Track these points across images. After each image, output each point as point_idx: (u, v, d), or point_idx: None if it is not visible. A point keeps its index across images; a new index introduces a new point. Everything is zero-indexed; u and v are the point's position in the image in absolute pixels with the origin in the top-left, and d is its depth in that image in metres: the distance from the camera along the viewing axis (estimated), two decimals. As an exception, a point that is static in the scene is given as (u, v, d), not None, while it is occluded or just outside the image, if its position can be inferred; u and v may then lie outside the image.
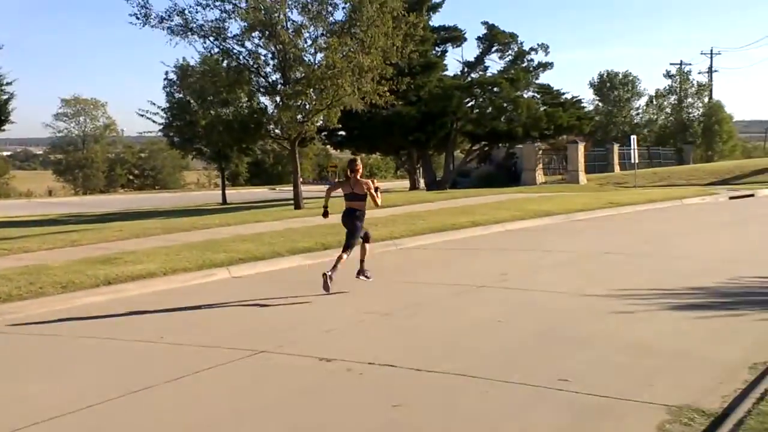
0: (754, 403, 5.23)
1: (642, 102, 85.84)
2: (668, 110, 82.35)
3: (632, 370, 6.52)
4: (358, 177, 10.91)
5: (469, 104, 44.56)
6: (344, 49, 25.15)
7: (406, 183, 51.22)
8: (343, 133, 42.77)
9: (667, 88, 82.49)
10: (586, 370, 6.54)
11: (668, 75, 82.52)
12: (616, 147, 56.09)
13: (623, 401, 5.68)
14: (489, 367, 6.69)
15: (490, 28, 45.19)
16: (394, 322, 8.81)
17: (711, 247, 14.77)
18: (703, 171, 46.29)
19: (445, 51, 46.42)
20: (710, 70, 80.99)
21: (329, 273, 10.14)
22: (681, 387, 5.98)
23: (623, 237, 16.84)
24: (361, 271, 10.80)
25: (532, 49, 45.90)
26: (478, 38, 45.68)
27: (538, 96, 47.38)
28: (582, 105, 50.56)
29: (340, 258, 10.47)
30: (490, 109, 44.24)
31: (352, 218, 10.71)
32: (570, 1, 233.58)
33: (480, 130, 43.54)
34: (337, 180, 9.41)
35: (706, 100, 79.82)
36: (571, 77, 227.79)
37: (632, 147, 37.68)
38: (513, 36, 45.56)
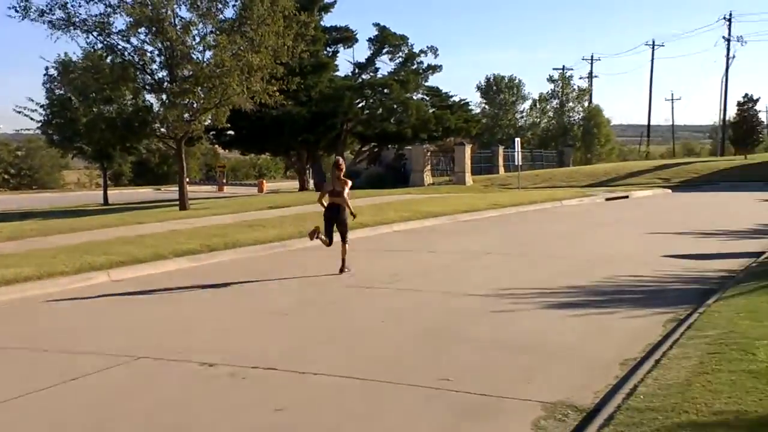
0: (624, 399, 5.45)
1: (526, 105, 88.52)
2: (551, 114, 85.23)
3: (511, 368, 6.70)
4: (341, 176, 12.07)
5: (360, 105, 44.80)
6: (234, 47, 24.83)
7: (296, 183, 51.01)
8: (231, 132, 42.22)
9: (550, 92, 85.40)
10: (468, 369, 6.67)
11: (551, 79, 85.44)
12: (501, 149, 57.49)
13: (502, 399, 5.82)
14: (372, 368, 6.72)
15: (382, 29, 45.57)
16: (289, 320, 8.76)
17: (588, 247, 15.34)
18: (581, 173, 48.06)
19: (337, 51, 46.53)
20: (590, 76, 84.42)
21: (345, 269, 11.87)
22: (557, 384, 6.18)
23: (506, 237, 17.30)
24: (342, 269, 11.97)
25: (422, 51, 46.59)
26: (370, 39, 46.00)
27: (428, 98, 48.11)
28: (469, 108, 51.71)
29: (343, 252, 11.99)
30: (380, 110, 44.62)
31: (338, 212, 12.02)
32: (459, 5, 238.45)
33: (370, 132, 43.84)
34: (327, 181, 10.21)
35: (586, 104, 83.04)
36: (460, 80, 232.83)
37: (516, 149, 38.70)
38: (403, 38, 46.10)
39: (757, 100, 56.89)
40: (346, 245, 12.07)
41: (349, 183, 12.20)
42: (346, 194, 11.97)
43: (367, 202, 25.38)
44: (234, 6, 25.67)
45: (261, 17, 24.56)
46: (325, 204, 12.27)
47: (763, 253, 12.91)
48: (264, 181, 57.44)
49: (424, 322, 8.60)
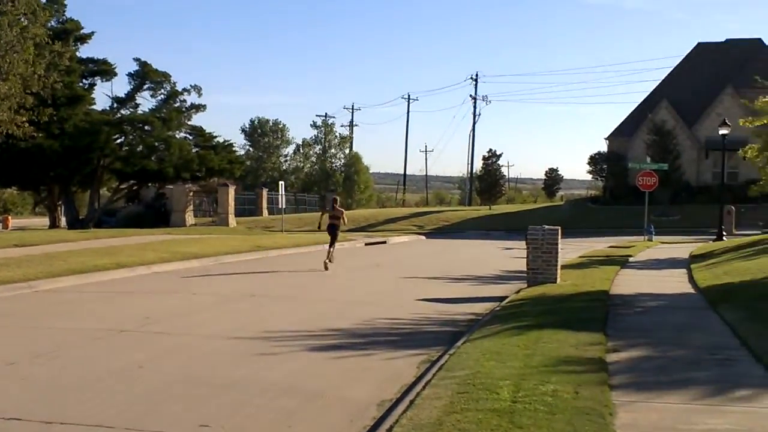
0: (380, 438, 5.65)
1: (290, 150, 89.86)
2: (314, 159, 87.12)
3: (271, 412, 6.70)
4: (338, 207, 21.01)
5: (119, 141, 43.05)
6: (-22, 73, 22.97)
7: (46, 221, 47.72)
8: (-27, 163, 38.75)
9: (314, 137, 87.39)
10: (228, 414, 6.59)
11: (315, 125, 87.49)
12: (265, 192, 57.75)
13: (263, 443, 5.80)
14: (127, 416, 6.44)
15: (143, 65, 44.25)
16: (20, 371, 8.10)
17: (348, 290, 15.78)
18: (344, 218, 49.30)
19: (94, 84, 44.42)
20: (351, 124, 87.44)
21: (326, 261, 19.36)
22: (317, 427, 6.27)
23: (269, 280, 17.34)
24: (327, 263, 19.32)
25: (185, 90, 45.73)
26: (130, 74, 44.45)
27: (191, 137, 47.21)
28: (234, 149, 51.37)
29: (329, 252, 19.90)
30: (140, 147, 43.13)
31: (334, 228, 20.28)
32: (224, 47, 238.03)
33: (129, 169, 42.18)
34: (324, 207, 24.34)
35: (347, 151, 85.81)
36: (224, 121, 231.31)
37: (280, 192, 39.07)
38: (166, 75, 45.04)
39: (500, 155, 61.82)
40: (333, 248, 20.18)
41: (344, 212, 21.39)
42: (344, 216, 20.68)
43: (124, 242, 24.36)
44: (-21, 31, 23.80)
45: (9, 44, 22.99)
46: (324, 224, 20.68)
47: (506, 297, 13.99)
48: (9, 218, 53.12)
49: (184, 366, 8.38)
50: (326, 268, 18.96)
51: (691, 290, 14.68)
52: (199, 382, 7.68)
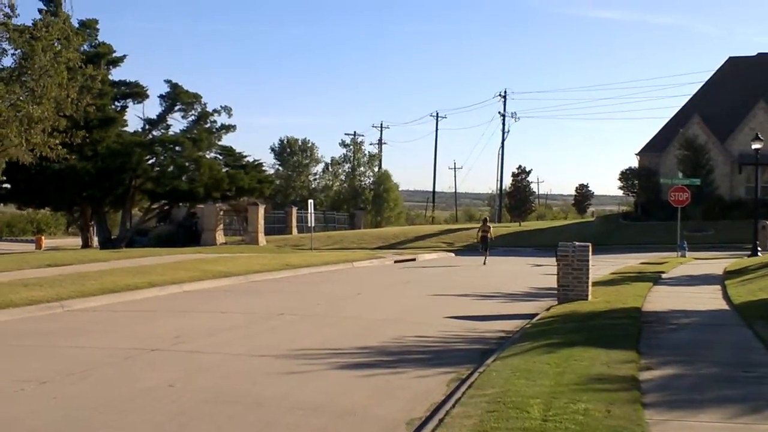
0: (409, 456, 5.62)
1: (319, 168, 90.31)
2: (342, 177, 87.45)
3: (301, 431, 6.69)
4: (488, 224, 31.81)
5: (150, 162, 43.63)
6: (12, 97, 23.37)
7: (79, 241, 48.36)
8: (8, 185, 39.47)
9: (342, 156, 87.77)
10: (258, 433, 6.59)
11: (344, 144, 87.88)
12: (294, 210, 58.01)
13: (292, 462, 5.79)
14: (158, 435, 6.47)
15: (174, 86, 44.88)
16: (52, 390, 8.18)
17: (378, 307, 15.75)
18: (371, 236, 49.46)
19: (126, 106, 45.15)
20: (380, 142, 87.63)
21: (485, 260, 28.79)
22: (346, 445, 6.24)
23: (299, 298, 17.36)
24: None
25: (215, 110, 46.31)
26: (161, 96, 45.13)
27: (221, 157, 47.73)
28: (263, 168, 51.86)
29: (485, 256, 29.75)
30: (171, 167, 43.65)
31: (485, 239, 30.38)
32: (253, 70, 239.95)
33: (160, 189, 42.70)
34: (480, 227, 32.11)
35: (376, 169, 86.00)
36: (254, 141, 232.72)
37: (310, 211, 39.24)
38: (197, 96, 45.65)
39: (530, 171, 61.65)
40: (488, 252, 30.19)
41: (492, 227, 32.00)
42: (491, 230, 30.97)
43: (156, 261, 24.57)
44: (13, 55, 24.23)
45: (43, 68, 23.38)
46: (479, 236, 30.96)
47: (536, 314, 13.88)
48: (43, 238, 53.89)
49: (214, 385, 8.40)
50: (485, 264, 28.59)
51: (726, 307, 14.45)
52: (229, 401, 7.70)
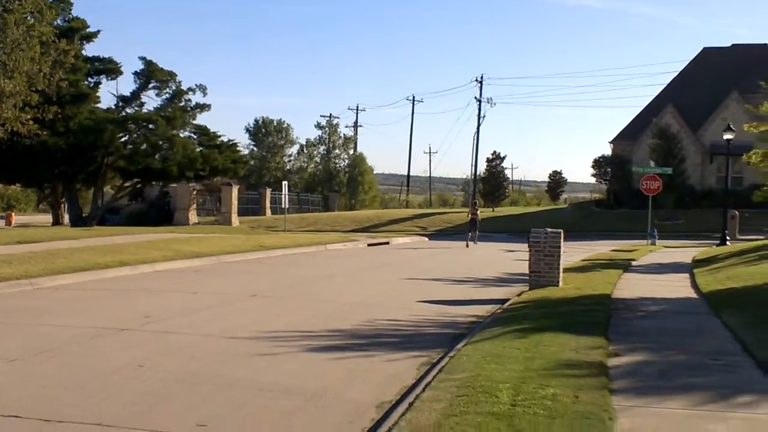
0: (379, 439, 5.64)
1: (294, 150, 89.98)
2: (317, 159, 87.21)
3: (271, 412, 6.69)
4: (477, 207, 34.57)
5: (123, 139, 43.16)
6: (-17, 70, 23.00)
7: (49, 218, 47.82)
8: (-24, 160, 38.85)
9: (318, 138, 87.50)
10: (227, 414, 6.58)
11: (319, 126, 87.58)
12: (268, 191, 57.79)
13: (261, 444, 5.79)
14: (126, 414, 6.43)
15: (148, 63, 44.36)
16: (20, 368, 8.10)
17: (350, 290, 15.75)
18: (345, 218, 49.45)
19: (99, 83, 44.60)
20: (356, 125, 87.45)
21: (468, 242, 30.58)
22: (315, 427, 6.26)
23: (271, 280, 17.32)
24: None
25: (190, 89, 45.86)
26: (135, 73, 44.65)
27: (195, 136, 47.33)
28: (238, 149, 51.47)
29: (473, 237, 32.10)
30: (144, 145, 43.25)
31: (474, 221, 32.84)
32: (230, 50, 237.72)
33: (133, 167, 42.29)
34: (469, 210, 33.93)
35: (351, 152, 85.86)
36: (229, 121, 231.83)
37: (284, 192, 39.13)
38: (172, 74, 45.16)
39: (504, 157, 61.95)
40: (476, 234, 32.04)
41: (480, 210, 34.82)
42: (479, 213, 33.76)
43: (127, 240, 24.38)
44: (-15, 29, 23.82)
45: (15, 42, 23.02)
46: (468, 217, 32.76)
47: (508, 300, 13.96)
48: (13, 214, 53.21)
49: (184, 365, 8.36)
50: (467, 246, 30.59)
51: (694, 295, 14.64)
52: (199, 381, 7.67)
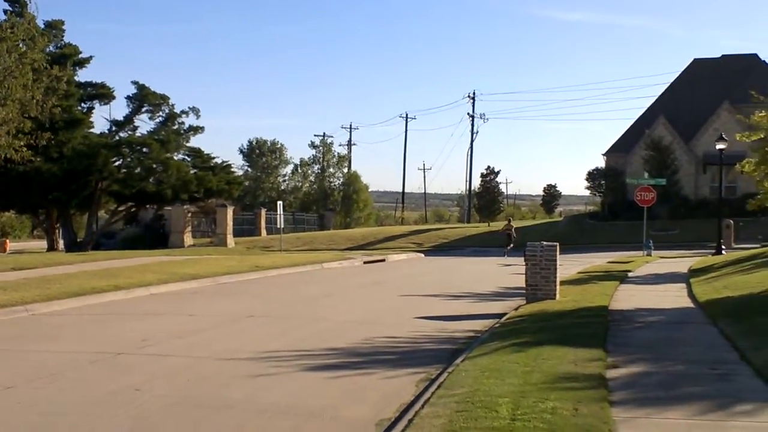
0: (379, 457, 5.60)
1: (288, 169, 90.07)
2: (312, 178, 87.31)
3: (270, 433, 6.65)
4: (511, 224, 37.42)
5: (117, 163, 43.10)
6: (-25, 99, 23.00)
7: (44, 244, 47.67)
8: (-31, 188, 38.76)
9: (312, 157, 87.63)
10: (226, 436, 6.54)
11: (313, 145, 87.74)
12: (263, 211, 57.78)
13: (260, 465, 5.75)
14: (125, 440, 6.39)
15: (141, 87, 44.39)
16: (17, 396, 8.05)
17: (347, 308, 15.72)
18: (341, 237, 49.40)
19: (92, 108, 44.53)
20: (349, 143, 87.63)
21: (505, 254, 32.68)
22: (315, 446, 6.22)
23: (267, 300, 17.27)
24: None
25: (183, 112, 45.86)
26: (128, 97, 44.59)
27: (189, 159, 47.31)
28: (232, 170, 51.47)
29: (509, 249, 34.14)
30: (138, 169, 43.20)
31: (509, 236, 35.80)
32: (222, 71, 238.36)
33: (127, 191, 42.23)
34: (504, 226, 37.15)
35: (345, 170, 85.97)
36: (223, 143, 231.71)
37: (279, 212, 39.12)
38: (164, 97, 45.17)
39: (498, 172, 62.04)
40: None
41: (514, 226, 36.97)
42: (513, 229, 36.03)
43: (122, 264, 24.30)
44: (-23, 56, 23.83)
45: (8, 69, 23.05)
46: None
47: (505, 314, 13.94)
48: (8, 241, 53.06)
49: (181, 388, 8.32)
50: (505, 257, 32.49)
51: (691, 305, 14.64)
52: (196, 404, 7.63)
